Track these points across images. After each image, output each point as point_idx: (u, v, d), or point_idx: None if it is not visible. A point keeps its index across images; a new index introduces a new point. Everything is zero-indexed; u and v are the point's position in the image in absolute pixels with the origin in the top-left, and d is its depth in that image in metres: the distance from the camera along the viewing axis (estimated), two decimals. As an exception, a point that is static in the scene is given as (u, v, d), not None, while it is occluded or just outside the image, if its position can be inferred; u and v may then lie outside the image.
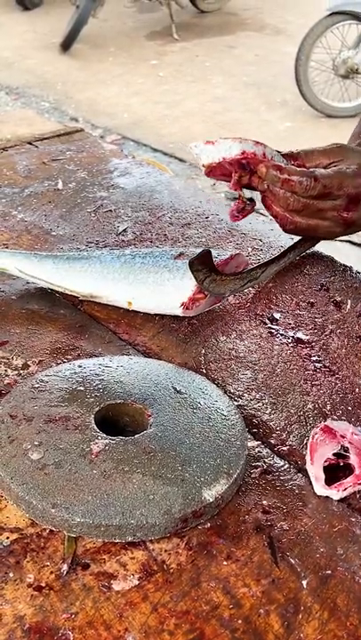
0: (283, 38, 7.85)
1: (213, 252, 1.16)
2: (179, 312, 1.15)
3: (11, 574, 0.77)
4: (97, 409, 0.92)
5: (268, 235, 1.39)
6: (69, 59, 7.39)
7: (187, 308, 1.15)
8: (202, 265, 1.11)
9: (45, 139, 1.75)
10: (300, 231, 1.00)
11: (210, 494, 0.83)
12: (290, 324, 1.20)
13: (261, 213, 1.72)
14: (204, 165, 1.07)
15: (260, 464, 0.92)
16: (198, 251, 1.17)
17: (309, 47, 5.86)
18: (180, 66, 7.38)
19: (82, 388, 0.95)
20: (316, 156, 0.94)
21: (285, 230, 1.06)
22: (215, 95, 6.67)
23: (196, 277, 1.10)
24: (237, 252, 1.24)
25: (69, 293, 1.19)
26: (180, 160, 5.43)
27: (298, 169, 0.92)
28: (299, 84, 5.97)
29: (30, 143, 1.73)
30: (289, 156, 0.95)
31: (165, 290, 1.14)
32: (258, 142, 0.99)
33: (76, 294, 1.19)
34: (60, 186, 1.55)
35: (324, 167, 0.91)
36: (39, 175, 1.59)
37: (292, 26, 7.82)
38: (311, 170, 0.89)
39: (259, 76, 7.05)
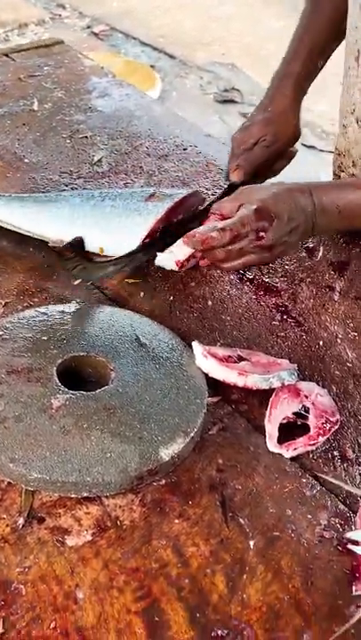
0: None
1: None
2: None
3: (-32, 526, 0.80)
4: (60, 361, 0.92)
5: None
6: None
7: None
8: (72, 253, 1.12)
9: (23, 50, 1.68)
10: (242, 268, 1.15)
11: (166, 453, 0.85)
12: (260, 269, 1.19)
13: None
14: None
15: (218, 420, 0.93)
16: (168, 192, 1.16)
17: None
18: None
19: (45, 338, 0.95)
20: (229, 205, 1.08)
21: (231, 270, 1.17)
22: (209, -14, 6.36)
23: (63, 265, 1.12)
24: (192, 190, 1.23)
25: (38, 238, 1.17)
26: (170, 56, 5.23)
27: (205, 228, 1.06)
28: (297, -20, 5.69)
29: (7, 55, 1.65)
30: (213, 213, 1.10)
31: (138, 235, 1.12)
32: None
33: (45, 239, 1.16)
34: (35, 106, 1.50)
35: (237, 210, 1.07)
36: (14, 93, 1.54)
37: None
38: (214, 225, 1.05)
39: (256, -33, 6.71)
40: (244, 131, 1.27)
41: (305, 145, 4.00)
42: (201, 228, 1.06)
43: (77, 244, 1.12)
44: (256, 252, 1.04)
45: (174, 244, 1.08)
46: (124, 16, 5.79)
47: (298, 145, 1.33)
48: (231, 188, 1.23)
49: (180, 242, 1.06)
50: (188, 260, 1.09)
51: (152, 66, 4.43)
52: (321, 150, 3.92)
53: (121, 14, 5.80)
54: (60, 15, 5.60)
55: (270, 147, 1.26)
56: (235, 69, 5.08)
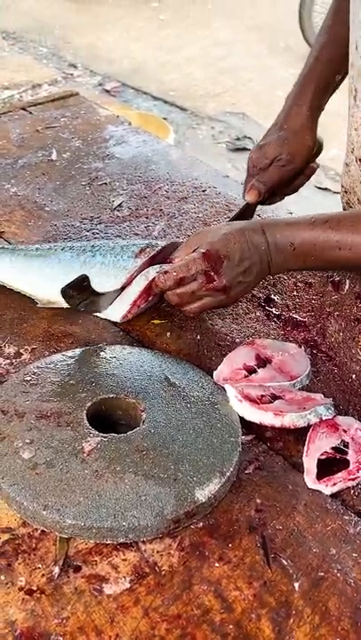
0: (287, -21, 7.61)
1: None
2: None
3: (2, 577, 0.77)
4: (89, 404, 0.91)
5: (265, 210, 1.36)
6: (67, 1, 7.18)
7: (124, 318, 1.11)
8: (76, 291, 1.06)
9: (39, 104, 1.70)
10: (201, 312, 1.11)
11: (203, 494, 0.82)
12: (287, 305, 1.18)
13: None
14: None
15: (254, 459, 0.91)
16: (161, 243, 1.15)
17: (314, -10, 5.68)
18: (182, 9, 7.18)
19: (74, 382, 0.94)
20: (183, 252, 1.09)
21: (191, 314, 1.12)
22: (217, 39, 6.50)
23: (69, 303, 1.07)
24: (170, 242, 1.17)
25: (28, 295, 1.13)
26: (182, 109, 5.32)
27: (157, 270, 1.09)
28: (302, 29, 5.81)
29: (24, 109, 1.67)
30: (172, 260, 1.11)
31: (123, 297, 1.10)
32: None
33: (34, 299, 1.12)
34: (54, 156, 1.51)
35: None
36: (33, 144, 1.55)
37: (297, -34, 7.56)
38: (163, 267, 1.08)
39: (261, 19, 6.86)
40: (259, 150, 1.27)
41: (319, 187, 4.04)
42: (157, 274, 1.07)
43: (81, 283, 1.07)
44: (211, 294, 1.04)
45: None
46: (135, 72, 5.92)
47: (315, 176, 1.33)
48: (248, 208, 1.27)
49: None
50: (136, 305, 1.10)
51: (164, 118, 4.50)
52: (335, 192, 3.95)
53: (131, 71, 5.94)
54: (72, 74, 5.73)
55: (286, 166, 1.26)
56: (245, 118, 5.16)
